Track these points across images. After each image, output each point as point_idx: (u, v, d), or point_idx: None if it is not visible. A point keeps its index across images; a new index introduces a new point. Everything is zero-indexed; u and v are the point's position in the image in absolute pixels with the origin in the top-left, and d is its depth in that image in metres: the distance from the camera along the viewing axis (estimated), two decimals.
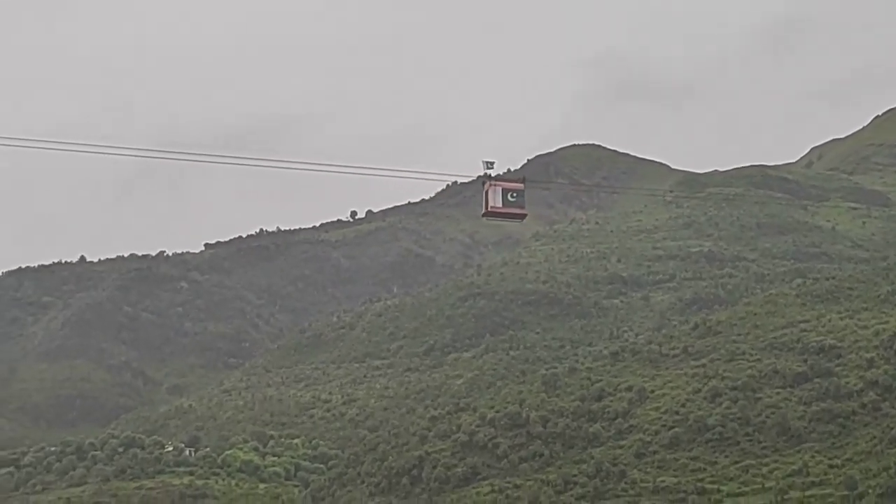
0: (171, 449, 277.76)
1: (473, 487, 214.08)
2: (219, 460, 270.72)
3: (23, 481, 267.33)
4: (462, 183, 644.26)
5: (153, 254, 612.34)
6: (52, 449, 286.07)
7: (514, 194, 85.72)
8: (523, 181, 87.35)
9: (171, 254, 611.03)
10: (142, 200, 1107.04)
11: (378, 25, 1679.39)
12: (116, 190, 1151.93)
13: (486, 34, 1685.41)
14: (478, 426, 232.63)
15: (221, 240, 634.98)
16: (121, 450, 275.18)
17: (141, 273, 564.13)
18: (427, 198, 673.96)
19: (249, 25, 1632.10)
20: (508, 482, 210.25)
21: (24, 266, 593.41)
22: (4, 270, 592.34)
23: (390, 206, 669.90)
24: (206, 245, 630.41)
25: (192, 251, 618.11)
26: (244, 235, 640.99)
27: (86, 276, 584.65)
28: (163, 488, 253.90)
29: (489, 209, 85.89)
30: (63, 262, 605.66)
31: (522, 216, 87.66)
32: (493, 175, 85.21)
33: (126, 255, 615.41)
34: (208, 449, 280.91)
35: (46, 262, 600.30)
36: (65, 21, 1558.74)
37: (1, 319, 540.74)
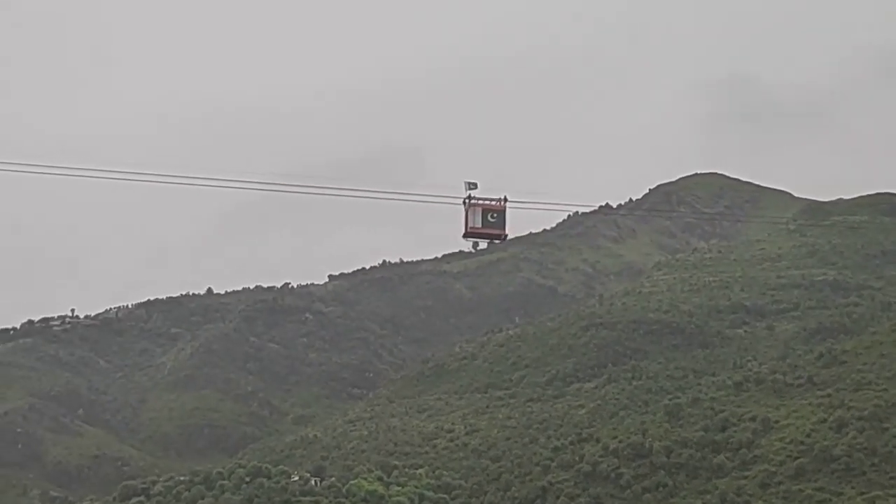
0: (297, 479, 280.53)
1: None
2: (344, 490, 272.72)
3: None
4: (583, 213, 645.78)
5: (278, 286, 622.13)
6: (182, 478, 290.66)
7: (494, 215, 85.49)
8: (504, 202, 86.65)
9: (295, 286, 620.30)
10: (267, 233, 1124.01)
11: (492, 55, 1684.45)
12: (241, 222, 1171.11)
13: (605, 63, 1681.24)
14: (601, 456, 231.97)
15: (345, 271, 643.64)
16: (248, 479, 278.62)
17: (267, 304, 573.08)
18: (548, 228, 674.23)
19: (371, 62, 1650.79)
20: None
21: (153, 298, 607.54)
22: (134, 302, 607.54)
23: (511, 237, 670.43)
24: (330, 277, 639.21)
25: (316, 283, 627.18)
26: (367, 267, 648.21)
27: (213, 307, 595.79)
28: None
29: (468, 230, 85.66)
30: (191, 294, 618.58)
31: (502, 237, 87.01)
32: (474, 196, 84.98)
33: (252, 287, 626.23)
34: (334, 479, 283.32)
35: (175, 295, 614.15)
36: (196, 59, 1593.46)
37: (131, 350, 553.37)
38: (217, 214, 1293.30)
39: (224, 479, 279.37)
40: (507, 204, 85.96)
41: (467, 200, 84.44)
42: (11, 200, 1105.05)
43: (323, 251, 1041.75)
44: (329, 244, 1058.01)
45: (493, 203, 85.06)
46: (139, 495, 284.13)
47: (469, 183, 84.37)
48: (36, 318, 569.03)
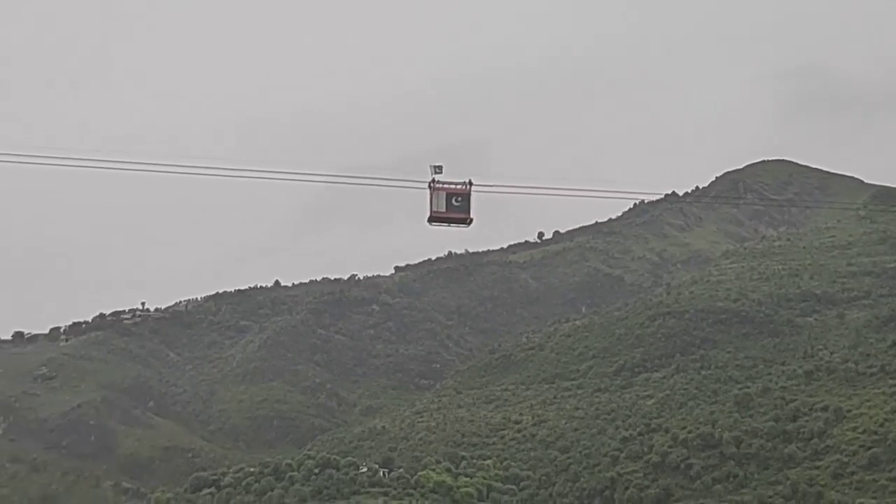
0: (365, 470, 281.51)
1: None
2: (412, 481, 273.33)
3: (223, 501, 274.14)
4: (649, 202, 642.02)
5: (345, 278, 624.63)
6: (251, 469, 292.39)
7: (459, 199, 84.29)
8: (469, 185, 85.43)
9: (362, 277, 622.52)
10: (334, 226, 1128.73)
11: (557, 48, 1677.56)
12: (309, 215, 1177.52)
13: (674, 51, 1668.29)
14: (670, 447, 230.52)
15: (411, 263, 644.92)
16: (317, 471, 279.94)
17: (334, 296, 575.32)
18: (614, 217, 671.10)
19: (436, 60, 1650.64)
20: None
21: (221, 291, 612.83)
22: (203, 295, 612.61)
23: (576, 226, 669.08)
24: (397, 268, 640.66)
25: (382, 274, 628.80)
26: (433, 258, 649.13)
27: (281, 300, 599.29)
28: None
29: (433, 213, 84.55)
30: (259, 286, 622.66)
31: (467, 221, 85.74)
32: (438, 180, 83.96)
33: (319, 279, 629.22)
34: (402, 470, 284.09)
35: (243, 287, 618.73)
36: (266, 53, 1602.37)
37: (200, 343, 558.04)
38: (285, 209, 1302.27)
39: (293, 471, 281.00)
40: (472, 188, 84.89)
41: (432, 184, 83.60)
42: (86, 195, 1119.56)
43: (389, 243, 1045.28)
44: (395, 236, 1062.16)
45: (458, 187, 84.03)
46: (209, 486, 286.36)
47: (434, 167, 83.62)
48: (107, 312, 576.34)
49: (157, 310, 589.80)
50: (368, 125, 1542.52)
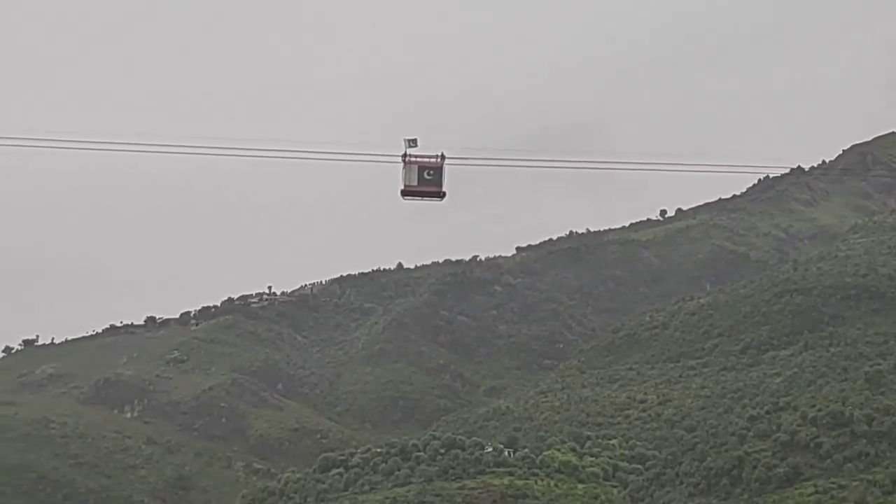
0: (490, 450, 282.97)
1: (796, 488, 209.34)
2: (537, 461, 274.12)
3: (351, 481, 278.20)
4: (774, 177, 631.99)
5: (467, 259, 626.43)
6: (378, 450, 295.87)
7: (431, 172, 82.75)
8: (441, 158, 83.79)
9: (484, 258, 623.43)
10: (455, 207, 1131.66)
11: (670, 24, 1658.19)
12: None
13: (796, 21, 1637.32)
14: (799, 425, 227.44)
15: (532, 243, 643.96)
16: (442, 451, 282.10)
17: (456, 278, 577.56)
18: (738, 193, 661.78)
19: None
20: (833, 483, 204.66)
21: (345, 274, 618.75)
22: (328, 278, 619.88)
23: (700, 203, 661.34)
24: (518, 248, 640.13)
25: (504, 255, 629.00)
26: (554, 238, 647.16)
27: (403, 282, 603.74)
28: (484, 488, 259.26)
29: (405, 187, 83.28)
30: (382, 269, 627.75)
31: (439, 194, 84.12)
32: (411, 153, 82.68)
33: (441, 260, 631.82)
34: (527, 449, 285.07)
35: (366, 270, 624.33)
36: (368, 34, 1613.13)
37: (326, 325, 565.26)
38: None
39: (419, 451, 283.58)
40: (445, 161, 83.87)
41: (404, 158, 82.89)
42: (217, 182, 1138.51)
43: (510, 223, 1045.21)
44: (516, 216, 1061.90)
45: (430, 160, 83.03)
46: (338, 467, 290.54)
47: (408, 140, 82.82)
48: (235, 297, 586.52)
49: (283, 293, 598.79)
50: (488, 106, 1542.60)
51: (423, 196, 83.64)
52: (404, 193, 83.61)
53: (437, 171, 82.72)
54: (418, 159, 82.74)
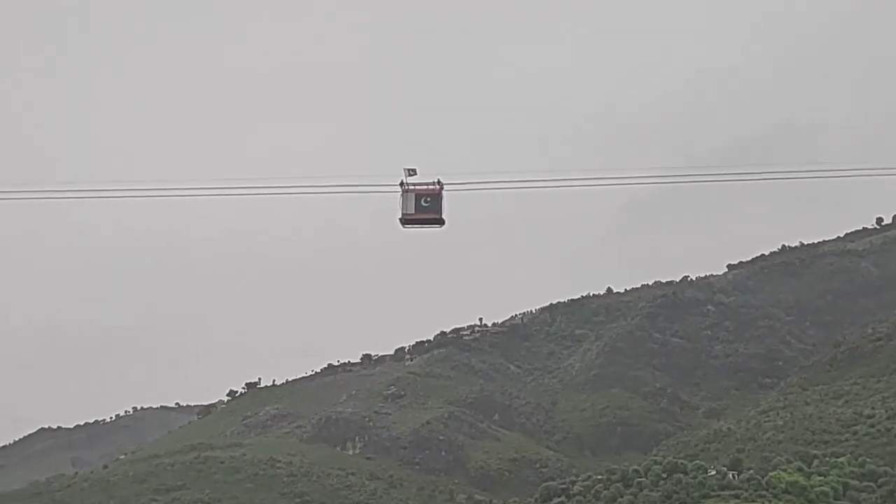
0: (714, 473, 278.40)
1: None
2: (763, 482, 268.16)
3: None
4: None
5: (677, 279, 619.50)
6: (599, 477, 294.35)
7: (428, 199, 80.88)
8: (439, 185, 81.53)
9: (694, 278, 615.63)
10: (661, 227, 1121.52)
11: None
12: (635, 219, 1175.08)
13: None
14: None
15: (743, 259, 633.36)
16: (664, 476, 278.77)
17: (667, 299, 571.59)
18: None
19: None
20: None
21: (555, 301, 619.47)
22: (538, 307, 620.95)
23: None
24: (729, 266, 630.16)
25: (714, 273, 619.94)
26: (766, 253, 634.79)
27: (614, 306, 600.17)
28: None
29: (403, 215, 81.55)
30: (591, 294, 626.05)
31: (438, 222, 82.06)
32: (408, 181, 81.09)
33: (651, 283, 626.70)
34: (751, 471, 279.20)
35: (576, 297, 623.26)
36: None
37: (538, 354, 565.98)
38: (611, 213, 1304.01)
39: (641, 477, 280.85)
40: (443, 188, 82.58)
41: (402, 186, 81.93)
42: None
43: (719, 241, 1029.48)
44: (724, 233, 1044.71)
45: (428, 188, 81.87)
46: (559, 495, 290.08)
47: (407, 169, 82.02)
48: (448, 329, 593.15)
49: (494, 324, 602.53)
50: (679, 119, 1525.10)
51: (422, 223, 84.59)
52: (403, 222, 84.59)
53: (435, 197, 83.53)
54: (416, 187, 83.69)
